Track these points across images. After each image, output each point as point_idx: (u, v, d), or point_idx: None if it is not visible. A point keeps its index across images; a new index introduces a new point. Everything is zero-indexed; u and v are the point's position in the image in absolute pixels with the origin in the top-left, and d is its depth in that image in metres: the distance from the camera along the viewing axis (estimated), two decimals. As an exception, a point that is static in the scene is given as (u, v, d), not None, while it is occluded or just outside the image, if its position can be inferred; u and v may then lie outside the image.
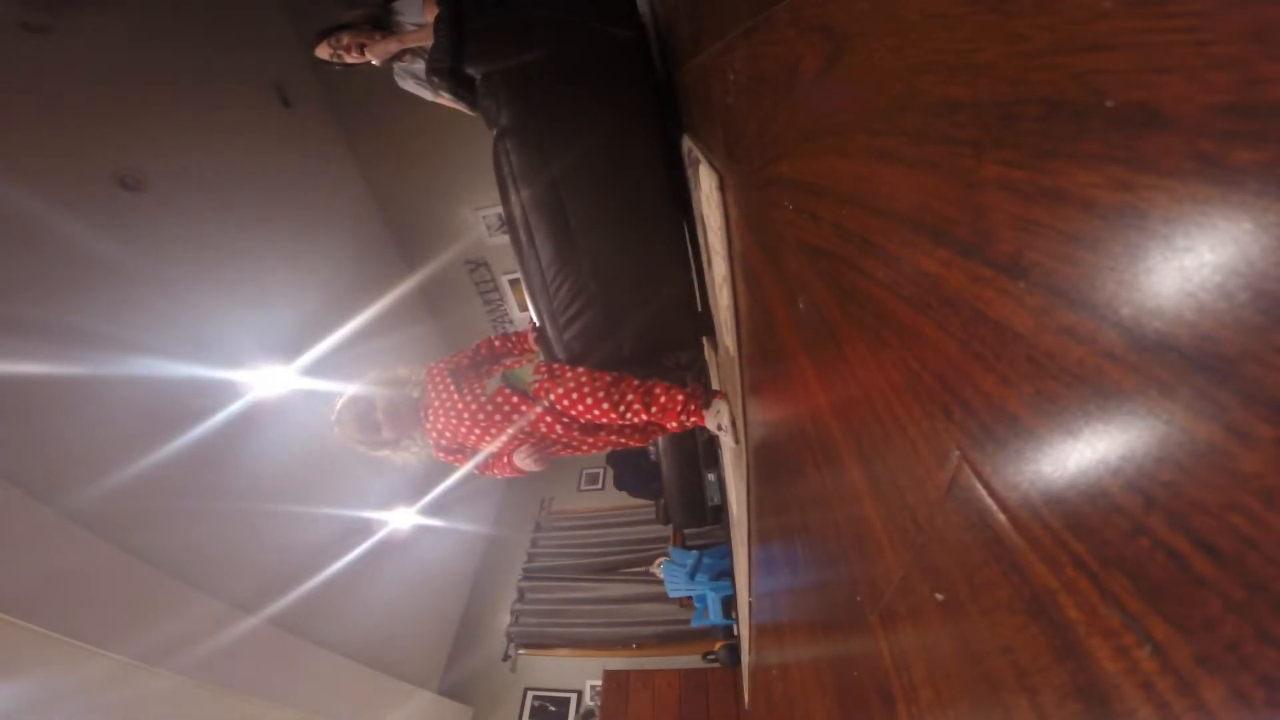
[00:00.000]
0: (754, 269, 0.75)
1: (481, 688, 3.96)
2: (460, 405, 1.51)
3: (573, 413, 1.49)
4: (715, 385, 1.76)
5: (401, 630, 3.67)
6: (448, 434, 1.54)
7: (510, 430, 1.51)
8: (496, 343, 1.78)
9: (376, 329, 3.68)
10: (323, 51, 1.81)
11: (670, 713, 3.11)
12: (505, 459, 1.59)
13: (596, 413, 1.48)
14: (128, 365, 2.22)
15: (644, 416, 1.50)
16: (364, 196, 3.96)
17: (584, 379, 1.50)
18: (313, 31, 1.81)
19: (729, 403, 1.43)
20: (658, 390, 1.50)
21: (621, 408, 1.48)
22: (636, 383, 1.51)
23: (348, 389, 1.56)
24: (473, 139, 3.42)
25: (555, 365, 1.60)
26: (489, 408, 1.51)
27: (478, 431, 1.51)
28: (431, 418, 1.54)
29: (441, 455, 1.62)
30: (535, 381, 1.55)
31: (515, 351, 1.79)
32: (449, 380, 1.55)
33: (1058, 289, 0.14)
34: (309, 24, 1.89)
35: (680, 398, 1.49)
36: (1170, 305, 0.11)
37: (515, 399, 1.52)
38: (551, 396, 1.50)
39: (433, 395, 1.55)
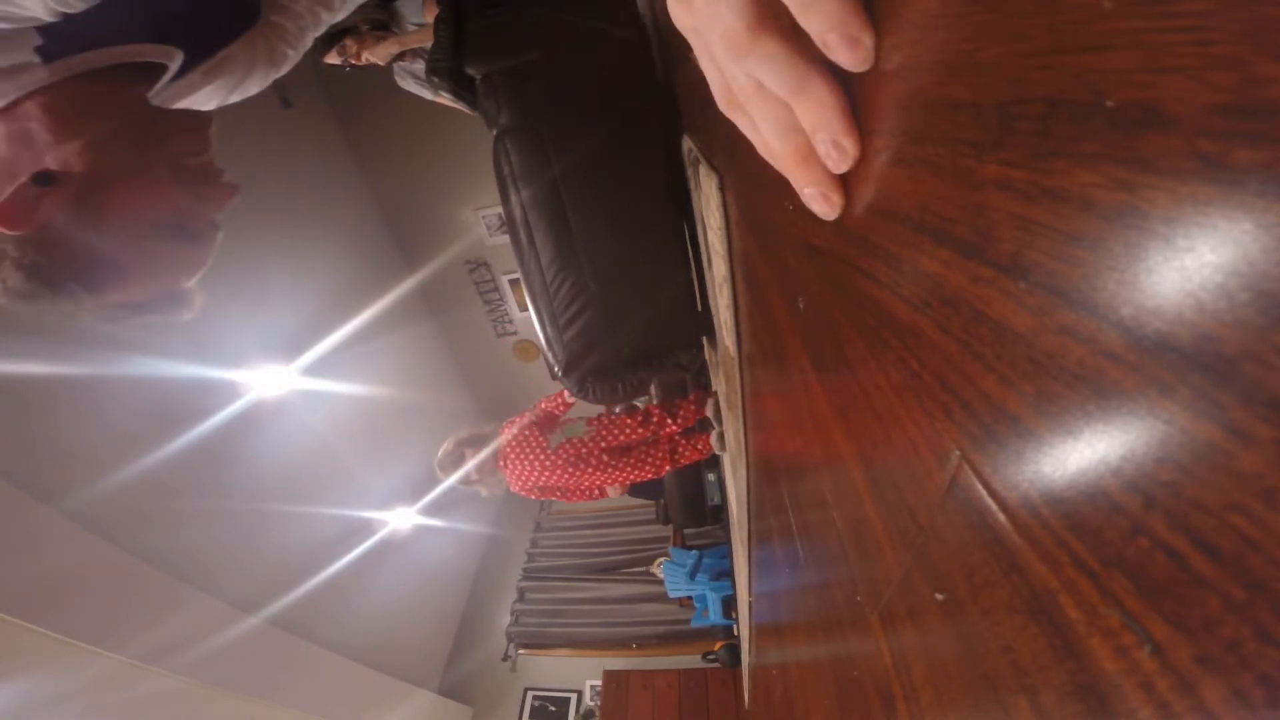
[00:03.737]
0: (754, 269, 0.75)
1: (481, 688, 3.96)
2: (543, 456, 2.01)
3: (614, 430, 2.03)
4: (715, 385, 1.76)
5: (401, 630, 3.67)
6: (530, 478, 2.02)
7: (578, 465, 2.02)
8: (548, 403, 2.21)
9: (376, 329, 3.67)
10: (331, 58, 1.83)
11: (670, 713, 3.11)
12: (594, 489, 2.13)
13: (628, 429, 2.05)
14: (128, 365, 2.22)
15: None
16: (364, 196, 3.95)
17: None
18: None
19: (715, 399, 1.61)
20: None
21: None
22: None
23: (447, 440, 2.10)
24: (473, 139, 3.42)
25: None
26: (564, 458, 2.00)
27: (558, 474, 2.00)
28: (512, 464, 2.01)
29: (524, 492, 2.11)
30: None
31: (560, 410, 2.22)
32: (537, 433, 2.03)
33: (1058, 289, 0.14)
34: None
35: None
36: (1170, 305, 0.11)
37: (579, 443, 2.05)
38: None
39: (514, 447, 2.02)
